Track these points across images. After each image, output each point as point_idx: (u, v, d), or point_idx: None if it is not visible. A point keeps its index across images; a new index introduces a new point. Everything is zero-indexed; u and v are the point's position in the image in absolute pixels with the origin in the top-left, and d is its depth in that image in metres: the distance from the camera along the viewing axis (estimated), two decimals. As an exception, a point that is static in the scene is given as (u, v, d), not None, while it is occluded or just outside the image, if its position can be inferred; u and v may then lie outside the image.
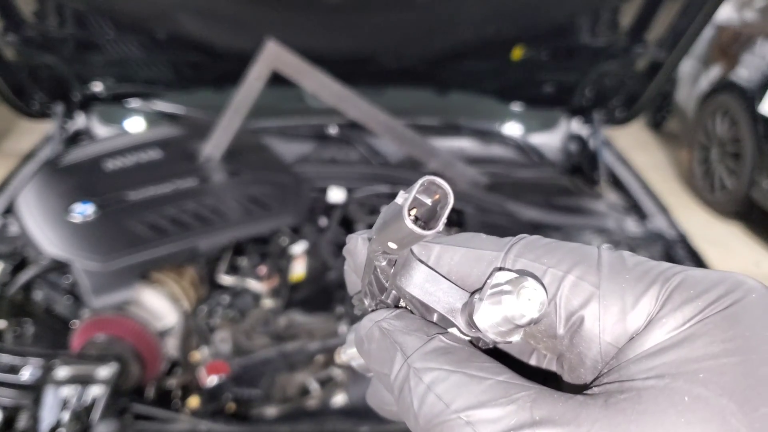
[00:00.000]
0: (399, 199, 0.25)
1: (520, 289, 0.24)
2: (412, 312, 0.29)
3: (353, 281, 0.36)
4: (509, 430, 0.22)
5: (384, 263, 0.29)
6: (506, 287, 0.24)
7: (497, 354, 0.30)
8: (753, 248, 3.69)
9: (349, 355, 0.39)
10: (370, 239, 0.30)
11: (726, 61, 3.98)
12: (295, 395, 1.31)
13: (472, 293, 0.27)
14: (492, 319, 0.24)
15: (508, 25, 1.80)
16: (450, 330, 0.27)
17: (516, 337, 0.25)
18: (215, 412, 1.26)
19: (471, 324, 0.25)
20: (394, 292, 0.30)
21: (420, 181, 0.24)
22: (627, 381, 0.22)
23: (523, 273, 0.25)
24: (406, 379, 0.25)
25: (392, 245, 0.26)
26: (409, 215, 0.24)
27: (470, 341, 0.27)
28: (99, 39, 1.82)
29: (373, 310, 0.31)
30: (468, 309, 0.26)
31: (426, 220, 0.25)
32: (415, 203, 0.25)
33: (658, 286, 0.24)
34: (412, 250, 0.28)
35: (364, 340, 0.30)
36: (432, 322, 0.28)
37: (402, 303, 0.30)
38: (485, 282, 0.26)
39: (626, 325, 0.24)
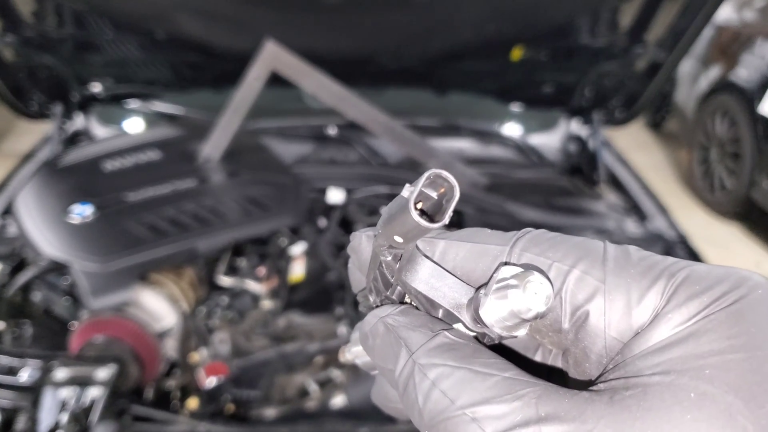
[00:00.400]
0: (405, 192, 0.24)
1: (526, 283, 0.24)
2: (417, 308, 0.29)
3: (357, 279, 0.36)
4: (514, 427, 0.22)
5: (389, 258, 0.29)
6: (512, 281, 0.24)
7: (502, 350, 0.30)
8: (753, 248, 3.69)
9: (353, 353, 0.38)
10: (375, 235, 0.30)
11: (725, 61, 3.98)
12: (294, 396, 1.31)
13: (478, 288, 0.27)
14: (498, 313, 0.24)
15: (508, 25, 1.80)
16: (455, 326, 0.27)
17: (522, 332, 0.25)
18: (214, 414, 1.26)
19: (477, 319, 0.25)
20: (399, 287, 0.30)
21: (426, 174, 0.24)
22: (632, 377, 0.22)
23: (528, 267, 0.25)
24: (410, 375, 0.25)
25: (398, 239, 0.26)
26: (415, 208, 0.24)
27: (475, 337, 0.27)
28: (98, 39, 1.82)
29: (377, 306, 0.31)
30: (474, 304, 0.26)
31: (432, 214, 0.25)
32: (421, 197, 0.25)
33: (664, 281, 0.24)
34: (417, 246, 0.28)
35: (369, 336, 0.29)
36: (437, 317, 0.28)
37: (407, 299, 0.30)
38: (491, 277, 0.26)
39: (631, 320, 0.24)
